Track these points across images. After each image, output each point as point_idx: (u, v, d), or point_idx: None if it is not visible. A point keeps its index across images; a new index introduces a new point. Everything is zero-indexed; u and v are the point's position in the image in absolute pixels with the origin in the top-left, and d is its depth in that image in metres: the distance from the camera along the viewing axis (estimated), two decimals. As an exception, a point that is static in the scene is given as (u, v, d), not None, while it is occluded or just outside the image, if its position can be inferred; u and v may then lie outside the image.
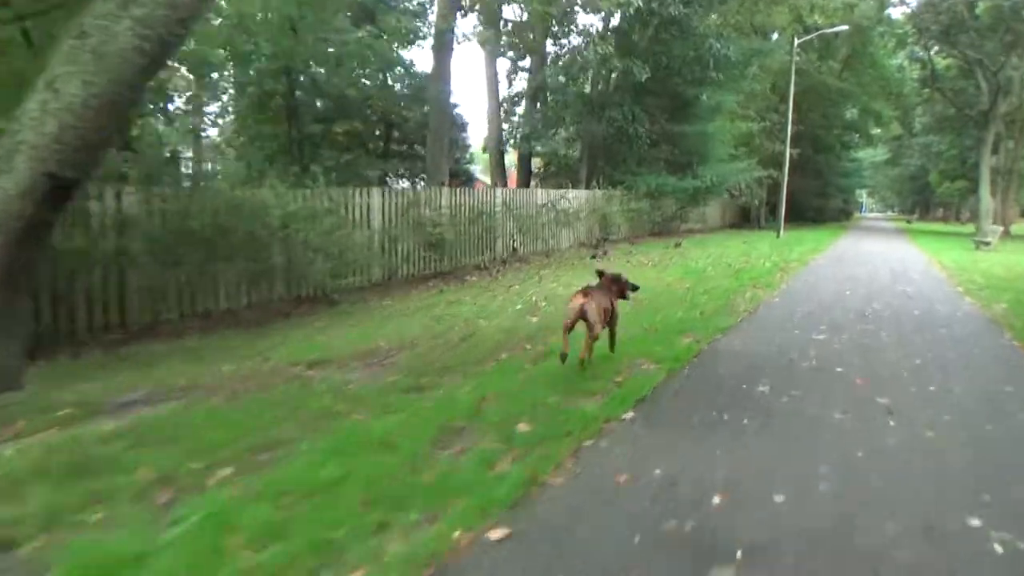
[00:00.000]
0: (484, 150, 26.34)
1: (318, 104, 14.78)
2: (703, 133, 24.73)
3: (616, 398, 4.74)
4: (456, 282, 13.42)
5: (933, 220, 65.73)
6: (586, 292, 5.40)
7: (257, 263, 9.51)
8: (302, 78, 13.70)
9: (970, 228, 45.34)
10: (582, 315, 5.19)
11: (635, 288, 6.26)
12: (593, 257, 17.71)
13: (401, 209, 12.84)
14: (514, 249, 17.34)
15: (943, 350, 6.64)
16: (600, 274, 6.11)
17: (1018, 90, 31.55)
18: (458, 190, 15.23)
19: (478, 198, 15.77)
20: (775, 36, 33.54)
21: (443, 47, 15.62)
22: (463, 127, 21.74)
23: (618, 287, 6.03)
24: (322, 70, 13.52)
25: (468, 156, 22.62)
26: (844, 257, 17.63)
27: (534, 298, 10.50)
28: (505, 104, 25.67)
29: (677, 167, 25.38)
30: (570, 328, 5.21)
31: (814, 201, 43.60)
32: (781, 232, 25.84)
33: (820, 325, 7.75)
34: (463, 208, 15.04)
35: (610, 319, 5.75)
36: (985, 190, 32.44)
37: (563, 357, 5.16)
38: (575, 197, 20.40)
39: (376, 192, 12.68)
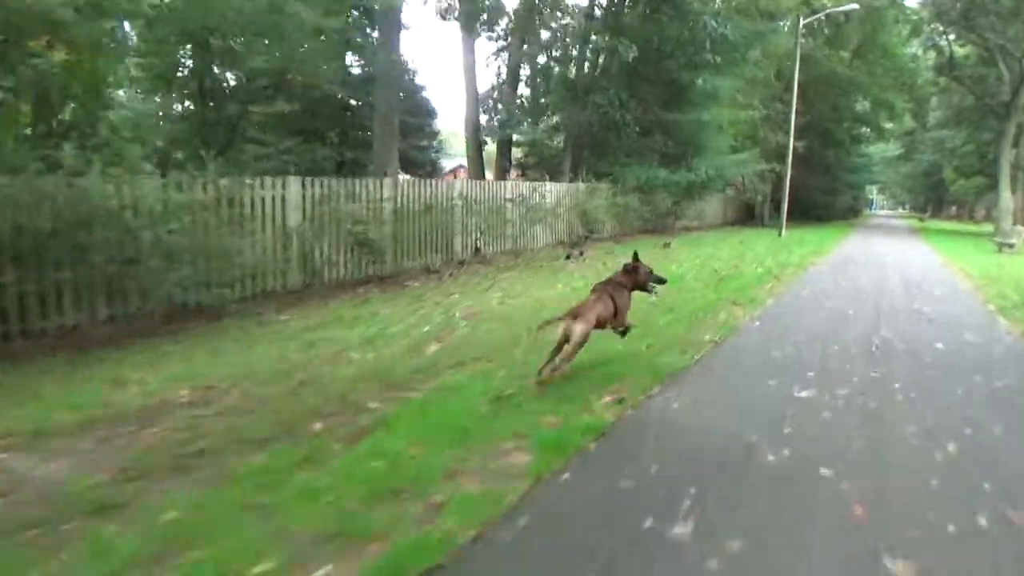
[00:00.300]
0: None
1: (242, 82, 12.57)
2: (698, 122, 22.40)
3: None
4: (394, 288, 11.26)
5: (946, 218, 62.94)
6: (576, 311, 5.02)
7: (110, 267, 7.40)
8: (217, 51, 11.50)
9: (986, 227, 42.70)
10: (565, 339, 4.84)
11: (661, 281, 5.88)
12: (567, 258, 15.56)
13: (327, 202, 10.71)
14: (477, 249, 15.17)
15: (987, 421, 4.39)
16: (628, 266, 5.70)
17: (1043, 79, 28.98)
18: (405, 181, 13.06)
19: (430, 191, 13.59)
20: (784, 26, 31.19)
21: (389, 17, 13.45)
22: (429, 113, 19.38)
23: (634, 279, 5.61)
24: (241, 40, 11.29)
25: (437, 144, 20.23)
26: (850, 261, 15.33)
27: (458, 314, 8.35)
28: (495, 93, 23.39)
29: (670, 159, 23.11)
30: (559, 348, 4.88)
31: (821, 198, 41.09)
32: (783, 231, 23.50)
33: (807, 371, 5.49)
34: (410, 202, 12.90)
35: (615, 315, 5.29)
36: (1005, 187, 29.94)
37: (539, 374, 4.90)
38: (551, 191, 18.20)
39: (294, 182, 10.51)
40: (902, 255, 17.50)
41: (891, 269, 13.74)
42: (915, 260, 16.08)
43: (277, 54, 10.66)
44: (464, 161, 26.51)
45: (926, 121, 52.95)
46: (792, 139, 23.97)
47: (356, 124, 17.53)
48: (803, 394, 4.80)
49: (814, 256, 16.08)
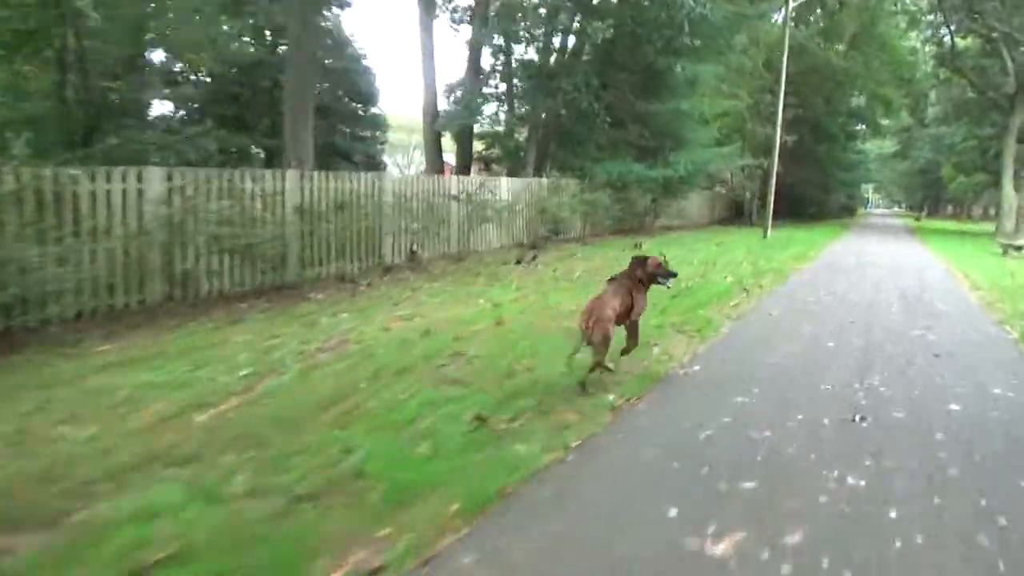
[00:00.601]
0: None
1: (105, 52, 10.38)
2: (676, 112, 20.25)
3: None
4: (288, 302, 9.10)
5: (943, 217, 60.78)
6: (591, 311, 4.68)
7: None
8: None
9: (986, 227, 40.59)
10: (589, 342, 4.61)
11: (672, 274, 5.26)
12: (518, 262, 13.44)
13: (200, 198, 8.60)
14: (412, 252, 13.04)
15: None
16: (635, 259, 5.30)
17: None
18: (315, 175, 10.92)
19: (350, 185, 11.47)
20: (775, 16, 29.10)
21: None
22: (367, 98, 17.07)
23: (645, 273, 5.09)
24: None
25: (381, 135, 17.93)
26: (839, 268, 13.20)
27: (320, 345, 6.26)
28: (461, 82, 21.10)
29: (647, 153, 20.98)
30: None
31: (815, 195, 38.95)
32: (768, 231, 21.35)
33: (743, 478, 3.27)
34: (323, 197, 10.82)
35: (628, 313, 4.91)
36: (1009, 184, 27.79)
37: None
38: (507, 187, 16.07)
39: (158, 174, 8.39)
40: (899, 259, 15.36)
41: (886, 278, 11.62)
42: (913, 266, 13.95)
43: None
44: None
45: (924, 117, 50.88)
46: (779, 131, 21.79)
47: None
48: (715, 552, 2.62)
49: (798, 261, 13.97)
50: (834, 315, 7.62)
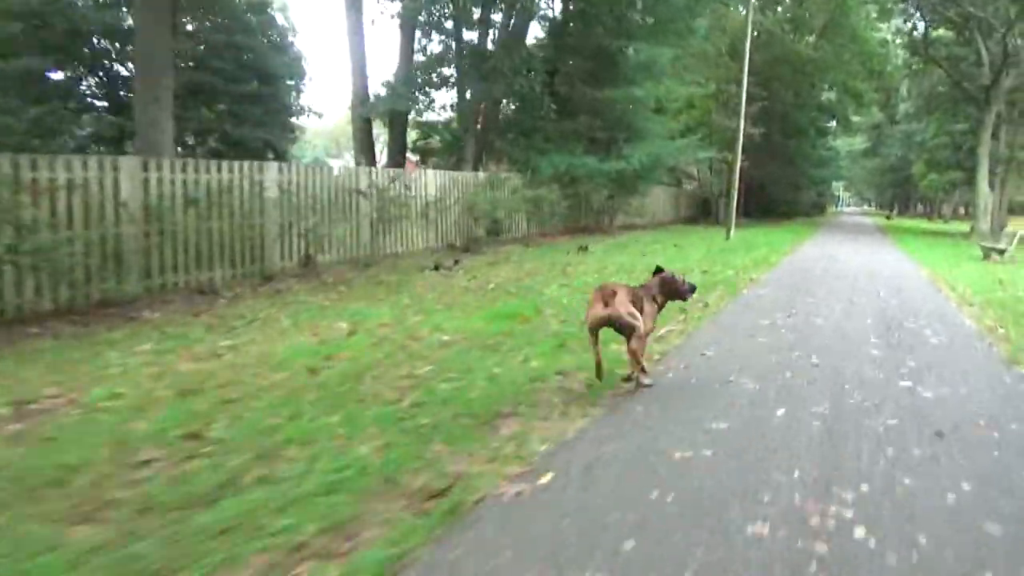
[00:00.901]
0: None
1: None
2: (631, 99, 18.23)
3: None
4: (98, 325, 6.97)
5: (913, 216, 59.64)
6: (610, 293, 4.22)
7: None
8: None
9: (959, 226, 39.16)
10: (608, 322, 4.18)
11: (692, 288, 4.99)
12: (436, 268, 11.36)
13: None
14: (308, 256, 10.92)
15: None
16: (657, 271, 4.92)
17: (1029, 60, 25.18)
18: (165, 163, 8.73)
19: (216, 176, 9.33)
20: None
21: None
22: (265, 79, 14.60)
23: (671, 289, 4.82)
24: None
25: (288, 122, 15.52)
26: (803, 279, 11.22)
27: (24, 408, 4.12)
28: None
29: (600, 145, 18.99)
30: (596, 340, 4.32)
31: (785, 193, 37.29)
32: (732, 231, 19.42)
33: None
34: (172, 191, 8.72)
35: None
36: (983, 181, 26.18)
37: (598, 372, 4.34)
38: (432, 181, 13.96)
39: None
40: (873, 265, 13.44)
41: (860, 292, 9.64)
42: (890, 274, 12.02)
43: None
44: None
45: (894, 113, 49.54)
46: (743, 123, 19.83)
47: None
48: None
49: (758, 268, 12.01)
50: (790, 356, 5.57)
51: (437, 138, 19.03)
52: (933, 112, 34.32)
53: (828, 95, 38.35)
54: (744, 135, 27.32)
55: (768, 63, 29.77)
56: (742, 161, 27.70)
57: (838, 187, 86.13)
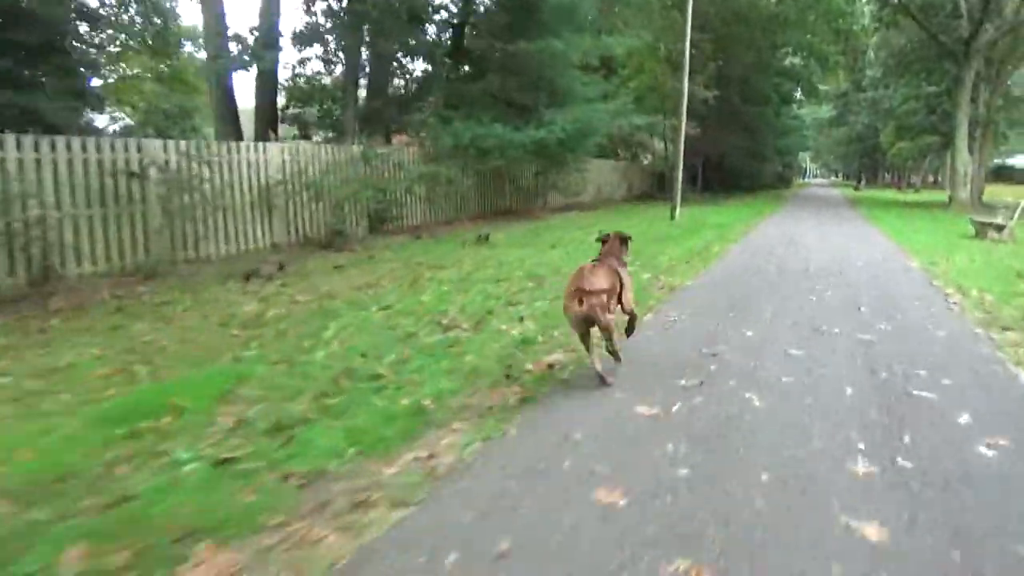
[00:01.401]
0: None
1: None
2: (550, 54, 14.72)
3: None
4: None
5: (882, 186, 56.99)
6: (582, 284, 3.79)
7: None
8: None
9: (933, 196, 36.32)
10: (589, 321, 3.80)
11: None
12: (247, 278, 7.94)
13: None
14: (46, 270, 7.48)
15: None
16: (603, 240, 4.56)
17: (1013, 8, 22.07)
18: None
19: None
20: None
21: None
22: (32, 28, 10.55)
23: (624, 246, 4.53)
24: None
25: (82, 86, 11.59)
26: (748, 281, 7.88)
27: None
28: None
29: (517, 111, 15.57)
30: (585, 338, 3.94)
31: (747, 164, 34.07)
32: (677, 210, 16.13)
33: None
34: None
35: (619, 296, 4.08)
36: (963, 145, 23.18)
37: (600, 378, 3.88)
38: (280, 157, 10.47)
39: None
40: (846, 255, 10.16)
41: (830, 308, 6.30)
42: (871, 271, 8.68)
43: None
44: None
45: (861, 79, 46.66)
46: (686, 81, 16.48)
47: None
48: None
49: (692, 266, 8.70)
50: (677, 514, 2.30)
51: (316, 109, 15.45)
52: (903, 74, 31.19)
53: (792, 59, 35.19)
54: (696, 99, 24.09)
55: (724, 20, 26.42)
56: (693, 128, 24.52)
57: (805, 158, 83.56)
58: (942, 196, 34.32)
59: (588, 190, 22.68)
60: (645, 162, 32.21)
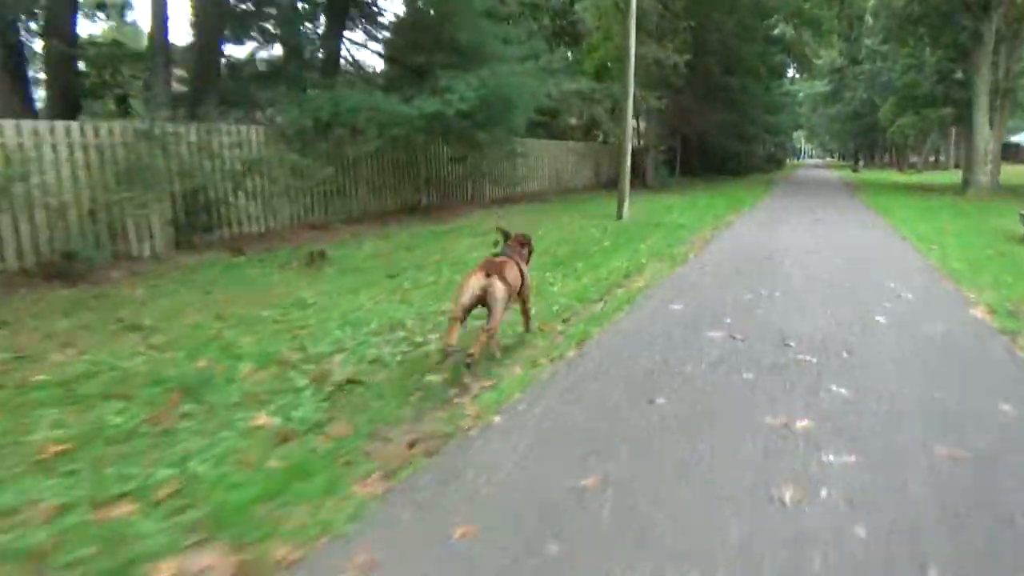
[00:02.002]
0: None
1: None
2: (446, -3, 10.80)
3: None
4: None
5: (881, 167, 52.91)
6: (492, 265, 3.77)
7: None
8: None
9: (937, 178, 32.37)
10: (482, 298, 3.59)
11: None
12: None
13: None
14: None
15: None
16: (505, 236, 4.51)
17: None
18: None
19: None
20: None
21: None
22: None
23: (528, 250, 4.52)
24: None
25: None
26: (674, 353, 4.06)
27: None
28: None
29: (417, 77, 11.69)
30: (463, 315, 3.62)
31: (731, 145, 29.99)
32: (626, 206, 12.16)
33: None
34: None
35: (520, 291, 4.08)
36: (983, 119, 19.23)
37: (446, 354, 3.54)
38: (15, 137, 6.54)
39: None
40: (856, 285, 6.16)
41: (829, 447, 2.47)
42: (905, 326, 4.75)
43: None
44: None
45: (858, 51, 42.56)
46: (633, 36, 12.42)
47: None
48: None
49: (582, 315, 4.80)
50: None
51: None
52: (906, 38, 27.08)
53: (783, 27, 31.13)
54: (666, 68, 20.12)
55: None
56: (659, 98, 20.54)
57: (799, 137, 79.36)
58: (947, 177, 30.32)
59: (537, 177, 18.75)
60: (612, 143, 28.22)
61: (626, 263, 6.98)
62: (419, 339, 4.24)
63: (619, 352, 3.98)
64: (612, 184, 24.34)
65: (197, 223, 8.76)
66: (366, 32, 13.34)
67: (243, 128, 9.45)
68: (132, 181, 7.70)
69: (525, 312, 4.34)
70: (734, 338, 4.21)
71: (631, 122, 25.68)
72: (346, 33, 12.92)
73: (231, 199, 9.14)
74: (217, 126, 9.06)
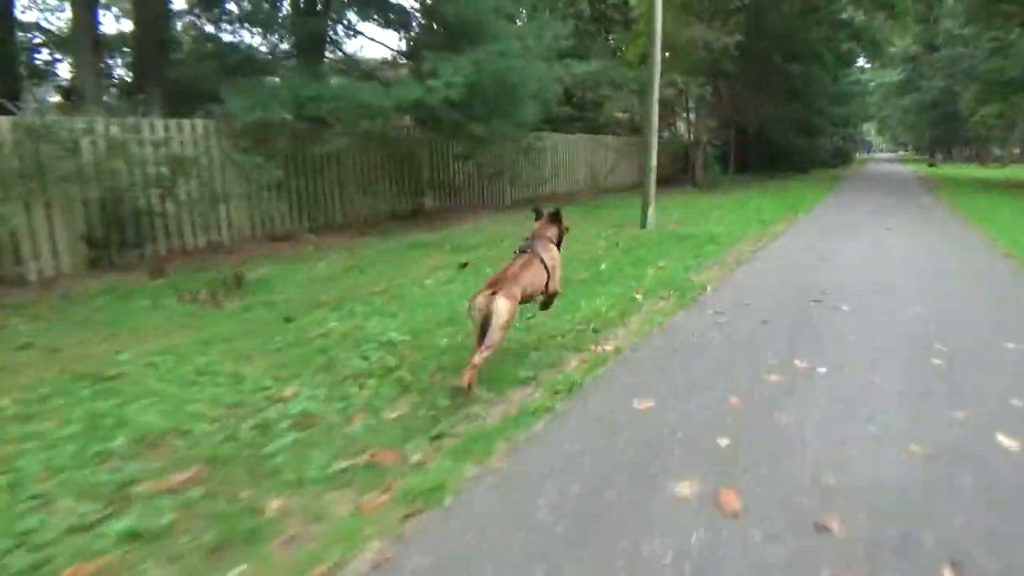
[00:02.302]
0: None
1: None
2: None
3: None
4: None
5: (961, 161, 48.46)
6: (498, 280, 3.35)
7: None
8: None
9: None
10: (485, 319, 3.18)
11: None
12: None
13: None
14: None
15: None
16: (537, 215, 4.13)
17: None
18: None
19: None
20: None
21: None
22: None
23: (560, 229, 4.06)
24: None
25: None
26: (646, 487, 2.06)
27: None
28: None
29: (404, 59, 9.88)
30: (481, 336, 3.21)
31: (792, 138, 27.10)
32: (650, 213, 9.99)
33: None
34: None
35: (547, 283, 3.71)
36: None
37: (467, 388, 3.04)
38: None
39: None
40: (952, 350, 4.05)
41: None
42: None
43: None
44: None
45: (935, 37, 38.97)
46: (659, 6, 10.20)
47: None
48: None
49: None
50: None
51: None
52: (992, 18, 23.72)
53: (852, 11, 27.92)
54: (713, 49, 17.74)
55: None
56: (701, 85, 18.18)
57: (869, 130, 74.35)
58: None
59: (568, 176, 16.75)
60: (665, 136, 25.81)
61: (612, 302, 4.94)
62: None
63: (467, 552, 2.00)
64: (662, 181, 22.04)
65: (113, 238, 7.17)
66: (360, 14, 11.57)
67: (173, 123, 7.78)
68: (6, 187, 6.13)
69: (549, 297, 3.82)
70: (722, 513, 2.17)
71: (681, 115, 23.34)
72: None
73: (158, 208, 7.50)
74: (140, 120, 7.42)
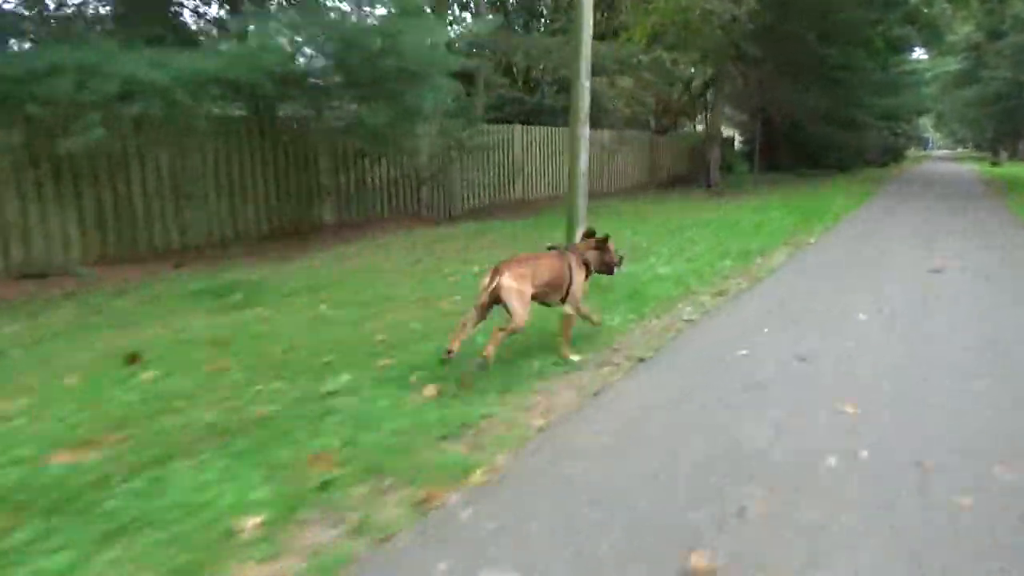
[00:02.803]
0: None
1: None
2: None
3: None
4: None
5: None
6: (505, 262, 3.29)
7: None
8: None
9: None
10: (496, 298, 3.19)
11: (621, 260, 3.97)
12: None
13: None
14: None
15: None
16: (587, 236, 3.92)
17: None
18: None
19: None
20: None
21: None
22: None
23: (600, 261, 3.83)
24: None
25: None
26: None
27: None
28: None
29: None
30: (476, 314, 3.25)
31: (829, 132, 23.07)
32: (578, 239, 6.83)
33: None
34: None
35: (565, 293, 3.57)
36: None
37: (447, 353, 3.12)
38: None
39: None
40: None
41: None
42: None
43: None
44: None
45: (1000, 23, 34.43)
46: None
47: None
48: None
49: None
50: None
51: None
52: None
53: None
54: (730, 30, 14.33)
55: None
56: (728, 66, 14.70)
57: (926, 125, 68.19)
58: None
59: (547, 179, 13.63)
60: (682, 131, 22.27)
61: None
62: None
63: None
64: (670, 184, 18.65)
65: None
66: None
67: None
68: None
69: (569, 321, 3.58)
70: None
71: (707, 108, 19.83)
72: None
73: None
74: None
